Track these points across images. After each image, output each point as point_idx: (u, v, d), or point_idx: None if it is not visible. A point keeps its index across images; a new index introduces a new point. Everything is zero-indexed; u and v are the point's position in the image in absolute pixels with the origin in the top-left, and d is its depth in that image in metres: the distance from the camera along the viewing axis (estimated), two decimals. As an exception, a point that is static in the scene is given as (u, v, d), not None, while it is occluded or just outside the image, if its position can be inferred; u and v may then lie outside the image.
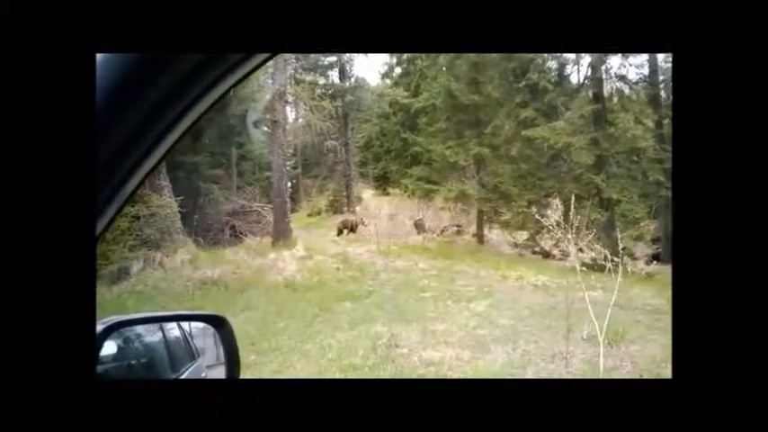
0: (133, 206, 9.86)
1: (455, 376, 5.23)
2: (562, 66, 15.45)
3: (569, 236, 6.38)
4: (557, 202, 7.39)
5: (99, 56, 0.52)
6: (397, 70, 27.12)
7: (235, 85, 0.66)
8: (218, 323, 1.70)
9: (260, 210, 16.85)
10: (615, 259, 5.92)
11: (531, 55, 14.28)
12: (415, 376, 5.25)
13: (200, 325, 2.06)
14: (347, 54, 22.73)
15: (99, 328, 1.28)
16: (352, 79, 24.65)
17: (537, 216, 7.68)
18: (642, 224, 12.57)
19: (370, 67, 46.61)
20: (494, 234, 16.21)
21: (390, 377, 5.24)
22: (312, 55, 22.91)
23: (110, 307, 8.19)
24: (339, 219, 18.55)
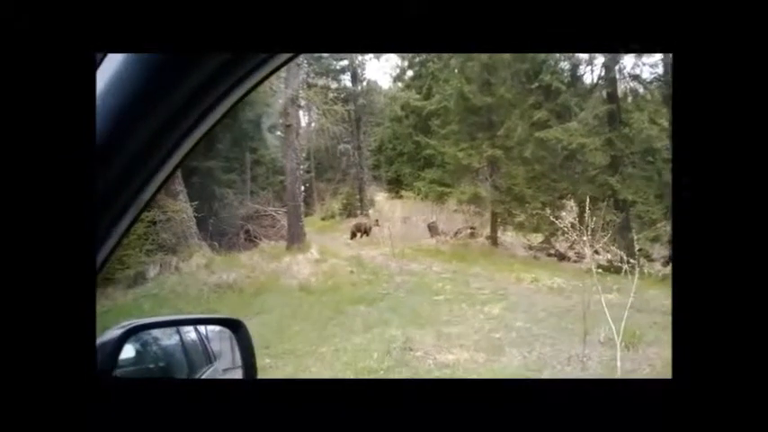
0: (149, 211, 9.98)
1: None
2: (575, 66, 15.31)
3: (585, 238, 6.33)
4: (571, 203, 7.34)
5: (112, 66, 0.53)
6: (409, 73, 27.08)
7: (249, 92, 0.67)
8: (234, 327, 1.71)
9: (274, 214, 16.93)
10: (631, 261, 5.86)
11: (543, 56, 14.18)
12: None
13: (217, 328, 2.07)
14: (359, 58, 22.81)
15: (118, 331, 1.30)
16: (364, 83, 24.69)
17: (551, 218, 7.63)
18: (658, 225, 12.39)
19: (382, 71, 46.65)
20: (508, 236, 16.10)
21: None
22: (324, 59, 23.03)
23: (127, 310, 8.29)
24: (353, 222, 18.56)
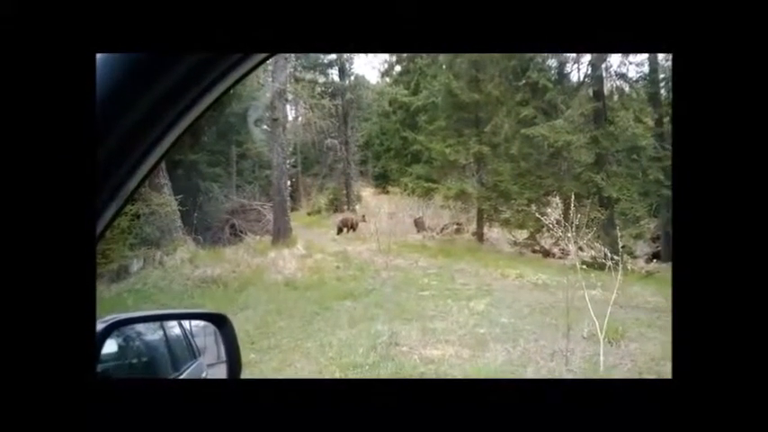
0: (133, 205, 9.86)
1: (455, 374, 5.24)
2: (562, 64, 15.43)
3: (569, 234, 6.39)
4: (556, 200, 7.40)
5: (99, 56, 0.52)
6: (397, 68, 27.12)
7: (234, 84, 0.66)
8: (219, 321, 1.70)
9: (260, 208, 16.85)
10: (615, 257, 5.94)
11: (531, 53, 14.28)
12: (415, 374, 5.26)
13: (201, 323, 2.06)
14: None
15: (100, 326, 1.28)
16: (352, 77, 24.63)
17: (537, 214, 7.69)
18: (642, 222, 12.58)
19: (370, 66, 46.59)
20: (494, 232, 16.22)
21: (390, 375, 5.25)
22: (312, 53, 22.91)
23: (110, 305, 8.20)
24: (339, 217, 18.54)
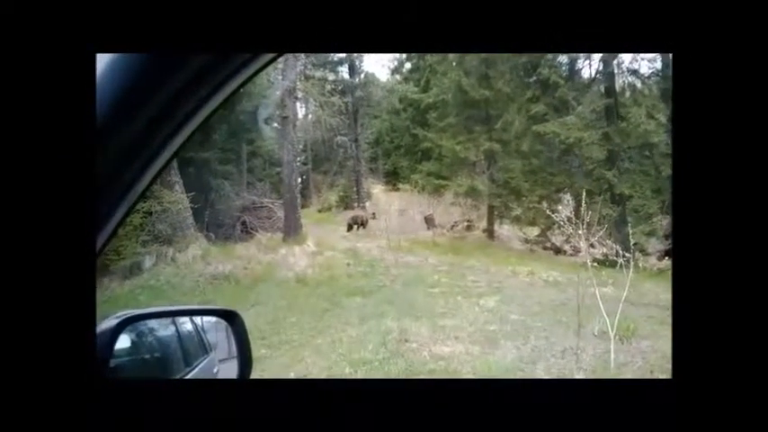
0: (145, 202, 9.95)
1: (465, 371, 5.24)
2: (573, 60, 15.30)
3: (580, 231, 6.34)
4: (568, 197, 7.35)
5: (107, 57, 0.52)
6: (407, 66, 27.04)
7: (244, 84, 0.67)
8: (230, 317, 1.71)
9: (270, 205, 16.89)
10: (627, 255, 5.89)
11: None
12: (424, 371, 5.27)
13: (213, 319, 2.07)
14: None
15: (113, 322, 1.30)
16: (362, 75, 24.61)
17: (548, 212, 7.64)
18: (654, 220, 12.44)
19: (380, 63, 46.45)
20: (504, 229, 16.16)
21: (400, 372, 5.26)
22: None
23: (122, 301, 8.29)
24: (349, 214, 18.56)
